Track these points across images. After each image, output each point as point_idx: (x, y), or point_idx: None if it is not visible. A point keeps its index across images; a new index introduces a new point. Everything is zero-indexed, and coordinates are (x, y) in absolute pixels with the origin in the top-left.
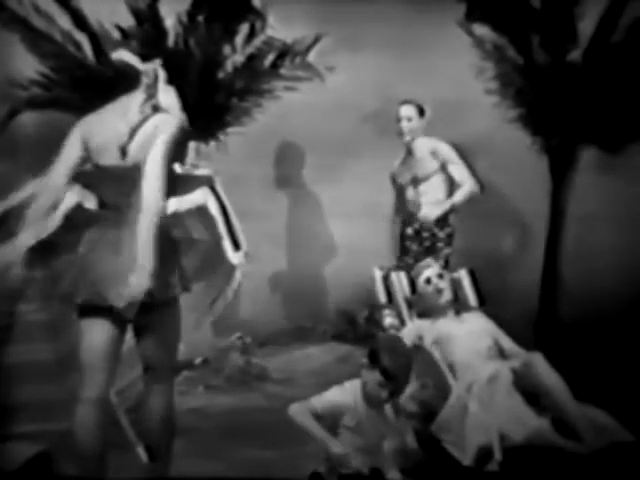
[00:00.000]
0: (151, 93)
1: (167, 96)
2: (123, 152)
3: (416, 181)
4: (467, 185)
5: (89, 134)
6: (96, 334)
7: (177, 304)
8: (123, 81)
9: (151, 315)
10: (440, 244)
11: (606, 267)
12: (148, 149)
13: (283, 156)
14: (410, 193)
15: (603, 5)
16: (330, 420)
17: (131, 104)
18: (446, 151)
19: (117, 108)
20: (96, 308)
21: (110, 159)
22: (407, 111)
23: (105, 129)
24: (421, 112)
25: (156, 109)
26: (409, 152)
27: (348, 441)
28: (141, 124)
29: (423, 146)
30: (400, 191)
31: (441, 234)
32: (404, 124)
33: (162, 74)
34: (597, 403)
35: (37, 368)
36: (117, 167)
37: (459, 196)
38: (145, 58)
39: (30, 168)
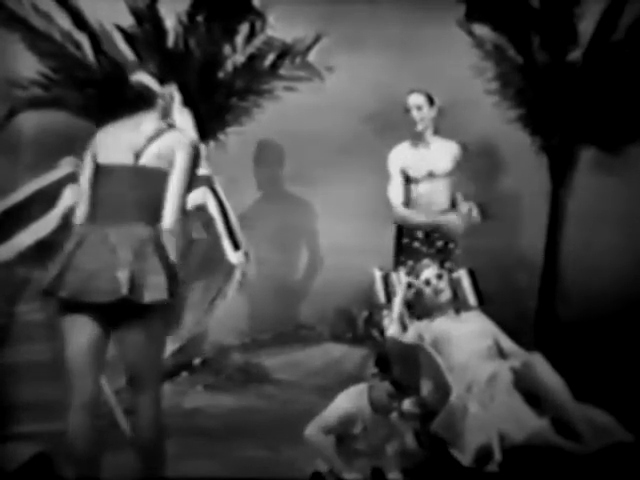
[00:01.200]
0: (166, 114)
1: (182, 117)
2: (137, 156)
3: (432, 176)
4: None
5: (98, 147)
6: (80, 334)
7: (164, 310)
8: (140, 102)
9: (134, 319)
10: (452, 245)
11: (605, 266)
12: (164, 159)
13: (283, 156)
14: (425, 188)
15: (603, 5)
16: (341, 430)
17: (145, 121)
18: (453, 150)
19: (131, 125)
20: (79, 306)
21: (119, 160)
22: (416, 99)
23: (117, 140)
24: (431, 101)
25: (170, 126)
26: (422, 143)
27: (352, 447)
28: (157, 136)
29: (441, 144)
30: (410, 183)
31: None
32: (414, 113)
33: (178, 97)
34: (597, 403)
35: (36, 368)
36: (126, 166)
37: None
38: (162, 81)
39: (30, 168)
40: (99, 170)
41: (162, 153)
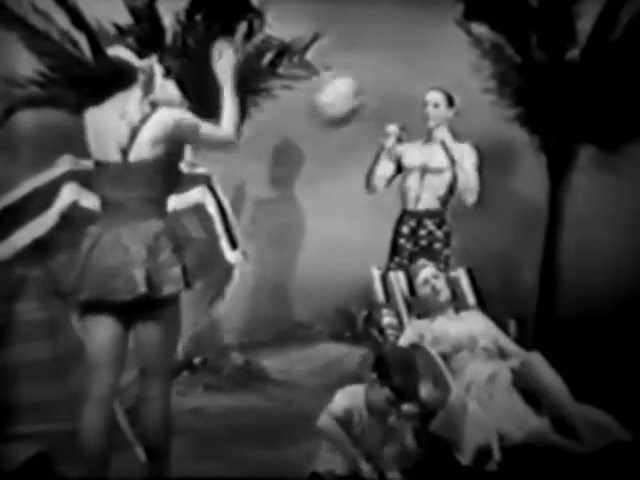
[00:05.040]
0: (148, 90)
1: (166, 90)
2: (124, 153)
3: (424, 171)
4: (471, 191)
5: (90, 133)
6: (101, 332)
7: (178, 303)
8: (119, 78)
9: (152, 313)
10: (438, 245)
11: (605, 266)
12: (153, 148)
13: (281, 155)
14: (413, 181)
15: (601, 3)
16: (344, 425)
17: (129, 102)
18: (467, 152)
19: (115, 107)
20: (100, 305)
21: (111, 158)
22: (434, 97)
23: (104, 128)
24: (450, 102)
25: (154, 106)
26: (427, 139)
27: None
28: (142, 124)
29: (444, 139)
30: (402, 172)
31: (439, 233)
32: (430, 109)
33: (159, 70)
34: (596, 403)
35: (35, 367)
36: (119, 164)
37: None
38: (142, 55)
39: (28, 166)
40: (99, 168)
41: (149, 140)
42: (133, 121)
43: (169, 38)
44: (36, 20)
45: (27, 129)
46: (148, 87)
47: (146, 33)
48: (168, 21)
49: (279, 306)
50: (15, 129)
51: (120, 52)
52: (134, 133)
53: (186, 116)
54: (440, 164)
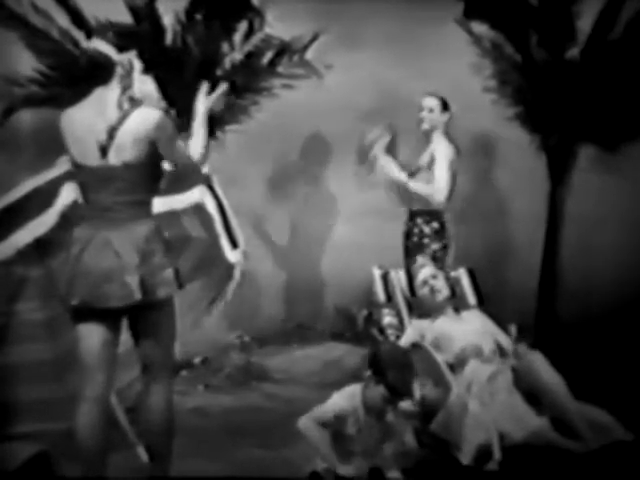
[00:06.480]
0: (126, 84)
1: (144, 86)
2: (103, 151)
3: (413, 173)
4: (435, 188)
5: (68, 136)
6: (91, 336)
7: (172, 302)
8: (98, 72)
9: (147, 314)
10: (426, 240)
11: (605, 266)
12: (142, 141)
13: (281, 154)
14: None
15: (601, 3)
16: (336, 426)
17: (107, 98)
18: (440, 149)
19: (93, 103)
20: (90, 310)
21: (92, 159)
22: (429, 102)
23: (82, 127)
24: (444, 106)
25: (133, 101)
26: (426, 142)
27: (348, 448)
28: (121, 122)
29: (438, 142)
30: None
31: (427, 229)
32: (424, 114)
33: (138, 64)
34: (597, 402)
35: (35, 367)
36: (103, 167)
37: (421, 187)
38: (121, 49)
39: (28, 166)
40: (79, 170)
41: (131, 140)
42: (112, 118)
43: (169, 37)
44: (36, 19)
45: (27, 129)
46: (126, 82)
47: (146, 32)
48: (168, 20)
49: (280, 306)
50: (15, 129)
51: (99, 45)
52: (113, 130)
53: (169, 124)
54: (423, 162)
